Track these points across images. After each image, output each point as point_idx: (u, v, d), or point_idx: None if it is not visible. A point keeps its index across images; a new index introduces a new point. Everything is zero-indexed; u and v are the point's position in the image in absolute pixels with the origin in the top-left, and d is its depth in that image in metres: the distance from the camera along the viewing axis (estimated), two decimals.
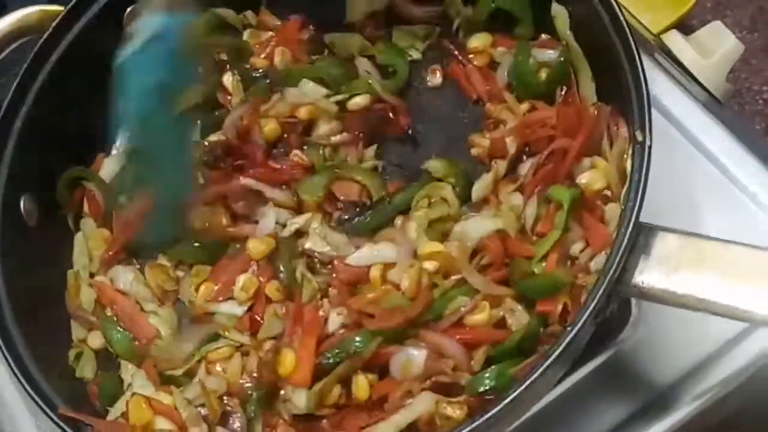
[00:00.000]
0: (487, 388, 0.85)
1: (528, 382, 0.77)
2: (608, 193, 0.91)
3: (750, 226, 0.99)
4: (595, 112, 0.94)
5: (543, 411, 0.94)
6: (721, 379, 0.93)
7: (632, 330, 0.96)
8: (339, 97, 1.07)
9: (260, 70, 1.13)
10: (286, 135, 1.08)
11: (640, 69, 0.85)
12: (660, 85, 1.08)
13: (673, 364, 0.94)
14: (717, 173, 1.02)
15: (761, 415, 0.96)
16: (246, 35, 1.16)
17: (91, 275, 1.06)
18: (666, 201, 0.97)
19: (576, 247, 0.91)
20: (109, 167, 1.11)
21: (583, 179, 0.92)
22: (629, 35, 0.87)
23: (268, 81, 1.11)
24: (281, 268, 0.99)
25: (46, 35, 1.04)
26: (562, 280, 0.87)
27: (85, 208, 1.10)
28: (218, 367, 0.97)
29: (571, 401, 0.94)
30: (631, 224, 0.79)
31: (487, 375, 0.86)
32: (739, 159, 1.02)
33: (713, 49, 1.34)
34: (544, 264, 0.90)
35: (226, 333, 0.98)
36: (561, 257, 0.90)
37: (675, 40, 1.36)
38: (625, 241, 0.79)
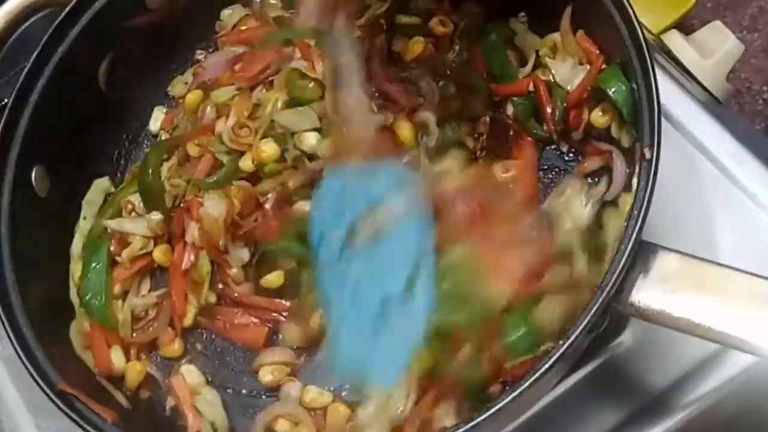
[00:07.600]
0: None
1: (514, 394, 0.76)
2: None
3: (750, 227, 0.99)
4: None
5: (538, 415, 0.93)
6: (717, 385, 0.93)
7: (628, 334, 0.95)
8: None
9: None
10: None
11: (654, 86, 0.85)
12: (660, 85, 1.04)
13: (668, 369, 0.93)
14: (717, 173, 1.01)
15: (756, 420, 0.95)
16: None
17: None
18: (665, 201, 0.98)
19: None
20: None
21: None
22: (645, 50, 0.86)
23: None
24: None
25: (69, 7, 1.04)
26: None
27: None
28: None
29: (566, 405, 0.94)
30: (632, 241, 0.78)
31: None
32: (739, 159, 1.02)
33: (713, 49, 1.36)
34: None
35: None
36: None
37: (675, 40, 1.37)
38: (624, 258, 0.77)
